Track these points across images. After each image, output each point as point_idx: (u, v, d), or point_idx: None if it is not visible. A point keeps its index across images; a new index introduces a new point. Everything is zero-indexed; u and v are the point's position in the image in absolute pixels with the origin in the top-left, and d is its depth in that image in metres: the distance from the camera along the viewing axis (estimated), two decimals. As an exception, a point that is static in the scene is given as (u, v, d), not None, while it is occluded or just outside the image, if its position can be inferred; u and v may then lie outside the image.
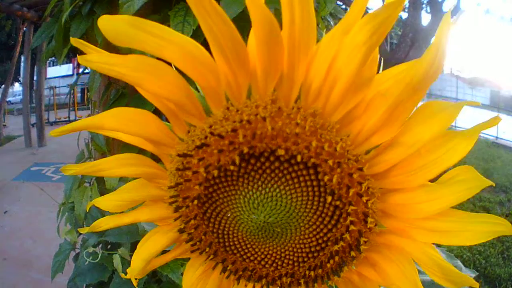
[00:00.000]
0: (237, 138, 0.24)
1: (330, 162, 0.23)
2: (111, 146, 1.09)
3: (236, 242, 0.29)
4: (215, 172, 0.25)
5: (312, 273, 0.27)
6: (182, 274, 1.01)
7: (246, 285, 0.30)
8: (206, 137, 0.26)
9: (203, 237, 0.29)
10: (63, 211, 1.15)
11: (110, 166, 0.31)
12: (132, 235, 0.98)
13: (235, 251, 0.29)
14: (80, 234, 1.14)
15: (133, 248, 1.04)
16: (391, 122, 0.24)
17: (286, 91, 0.25)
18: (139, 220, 0.34)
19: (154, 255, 0.32)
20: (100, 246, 1.07)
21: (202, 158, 0.26)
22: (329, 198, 0.24)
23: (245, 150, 0.24)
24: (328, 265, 0.26)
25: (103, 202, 0.33)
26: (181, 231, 0.30)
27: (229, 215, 0.28)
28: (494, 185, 0.22)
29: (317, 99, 0.25)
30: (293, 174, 0.25)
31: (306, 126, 0.24)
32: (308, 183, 0.25)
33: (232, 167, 0.25)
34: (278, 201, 0.25)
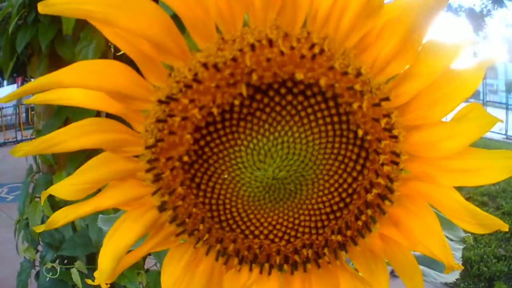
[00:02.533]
0: (239, 68, 0.19)
1: (357, 86, 0.19)
2: (58, 158, 1.05)
3: (235, 214, 0.23)
4: (215, 111, 0.20)
5: (339, 238, 0.21)
6: (140, 283, 0.99)
7: (250, 270, 0.24)
8: (196, 74, 0.20)
9: (193, 210, 0.23)
10: (19, 229, 1.15)
11: (67, 137, 0.24)
12: (86, 248, 0.98)
13: (234, 226, 0.23)
14: (38, 251, 1.13)
15: (89, 260, 1.04)
16: (405, 50, 0.22)
17: (290, 18, 0.21)
18: (102, 207, 0.26)
19: (125, 250, 0.25)
20: (58, 261, 1.05)
21: (192, 99, 0.20)
22: (360, 132, 0.20)
23: (254, 77, 0.19)
24: (360, 222, 0.21)
25: (59, 189, 0.25)
26: (162, 208, 0.23)
27: (226, 176, 0.22)
28: (502, 121, 0.23)
29: (325, 25, 0.21)
30: (309, 110, 0.20)
31: (324, 47, 0.20)
32: (328, 119, 0.20)
33: (236, 102, 0.19)
34: (291, 148, 0.20)
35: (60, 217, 0.26)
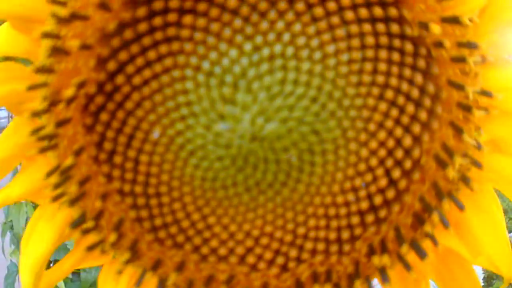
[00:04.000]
0: None
1: None
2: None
3: (181, 215, 0.12)
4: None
5: (384, 260, 0.11)
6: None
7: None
8: None
9: (99, 205, 0.12)
10: (5, 230, 1.15)
11: None
12: (68, 251, 1.02)
13: (179, 239, 0.12)
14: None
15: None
16: None
17: None
18: (11, 198, 0.19)
19: (42, 261, 0.18)
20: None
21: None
22: (434, 29, 0.09)
23: None
24: (428, 228, 0.10)
25: None
26: (56, 200, 0.13)
27: (157, 134, 0.11)
28: None
29: None
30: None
31: None
32: (363, 11, 0.10)
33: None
34: (289, 70, 0.10)
35: None
